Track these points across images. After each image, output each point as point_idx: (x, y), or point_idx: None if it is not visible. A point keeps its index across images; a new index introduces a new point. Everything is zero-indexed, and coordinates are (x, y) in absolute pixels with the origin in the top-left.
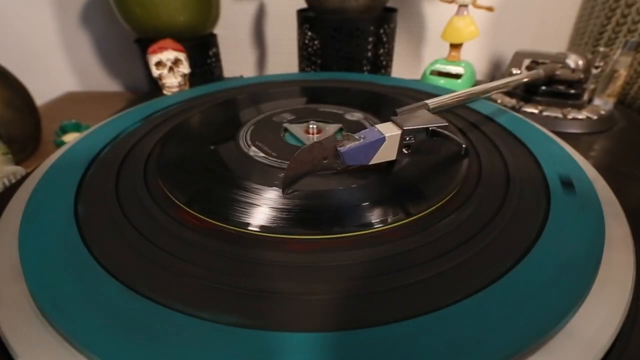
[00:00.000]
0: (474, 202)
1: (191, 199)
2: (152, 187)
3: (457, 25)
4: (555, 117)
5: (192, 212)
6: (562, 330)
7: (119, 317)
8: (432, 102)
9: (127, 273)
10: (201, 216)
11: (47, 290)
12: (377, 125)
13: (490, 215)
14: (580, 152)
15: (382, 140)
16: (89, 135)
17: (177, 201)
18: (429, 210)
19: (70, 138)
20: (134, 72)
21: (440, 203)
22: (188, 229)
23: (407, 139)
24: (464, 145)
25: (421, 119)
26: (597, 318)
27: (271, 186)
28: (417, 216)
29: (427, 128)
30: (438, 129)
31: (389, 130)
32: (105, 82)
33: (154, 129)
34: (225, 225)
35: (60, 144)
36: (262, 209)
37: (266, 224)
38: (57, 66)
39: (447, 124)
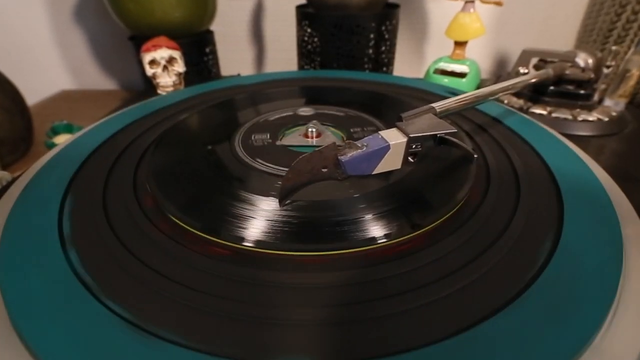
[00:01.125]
0: (483, 213)
1: (182, 212)
2: (141, 197)
3: (463, 22)
4: (565, 119)
5: (183, 225)
6: (589, 350)
7: (98, 342)
8: (439, 105)
9: (112, 294)
10: (192, 230)
11: (24, 310)
12: (380, 132)
13: (501, 227)
14: (591, 156)
15: (387, 148)
16: (79, 138)
17: (168, 214)
18: (435, 223)
19: (62, 140)
20: (129, 70)
21: (447, 215)
22: (179, 244)
23: (414, 146)
24: (475, 156)
25: (428, 124)
26: (626, 333)
27: (267, 196)
28: (423, 230)
29: (435, 135)
30: (446, 136)
31: (394, 138)
32: (100, 80)
33: (146, 132)
34: (218, 240)
35: (51, 145)
36: (257, 222)
37: (260, 239)
38: (51, 64)
39: (455, 130)
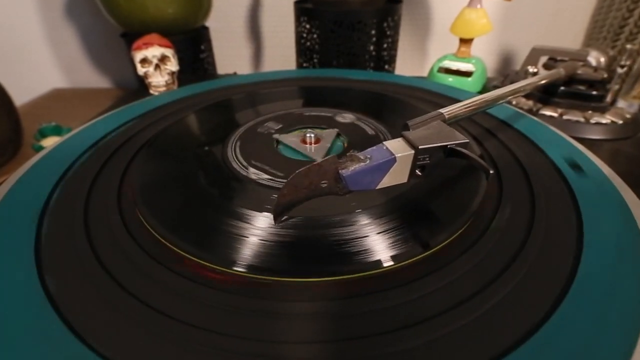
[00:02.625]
0: (495, 230)
1: (165, 230)
2: (126, 212)
3: (469, 18)
4: (577, 122)
5: (169, 245)
6: None
7: None
8: (447, 111)
9: (87, 326)
10: (178, 250)
11: None
12: (385, 143)
13: (516, 245)
14: (605, 161)
15: (392, 161)
16: (65, 142)
17: (154, 232)
18: (444, 243)
19: (50, 143)
20: (123, 68)
21: (457, 234)
22: (165, 267)
23: (421, 158)
24: (491, 171)
25: (437, 134)
26: None
27: (261, 211)
28: (431, 251)
29: (445, 146)
30: (457, 148)
31: (401, 150)
32: (93, 78)
33: (134, 135)
34: (204, 262)
35: (39, 149)
36: (248, 244)
37: (251, 263)
38: (43, 62)
39: (467, 140)
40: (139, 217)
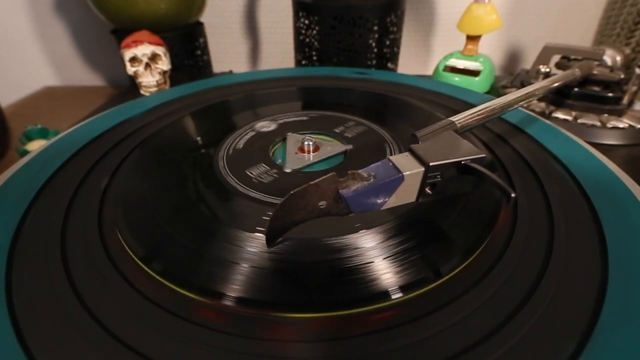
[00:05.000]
0: (511, 257)
1: (146, 257)
2: (106, 236)
3: (477, 14)
4: (593, 126)
5: (151, 273)
6: None
7: None
8: (459, 119)
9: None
10: (156, 276)
11: None
12: (392, 158)
13: (535, 274)
14: (623, 168)
15: (400, 180)
16: (50, 146)
17: (135, 257)
18: (455, 271)
19: (35, 146)
20: (115, 66)
21: (468, 260)
22: (151, 302)
23: (432, 176)
24: (513, 195)
25: (449, 147)
26: None
27: (253, 232)
28: (441, 281)
29: (459, 162)
30: (473, 165)
31: (409, 166)
32: (85, 76)
33: (123, 140)
34: (191, 295)
35: (23, 153)
36: (236, 272)
37: (236, 295)
38: (32, 59)
39: (484, 155)
40: (118, 238)
